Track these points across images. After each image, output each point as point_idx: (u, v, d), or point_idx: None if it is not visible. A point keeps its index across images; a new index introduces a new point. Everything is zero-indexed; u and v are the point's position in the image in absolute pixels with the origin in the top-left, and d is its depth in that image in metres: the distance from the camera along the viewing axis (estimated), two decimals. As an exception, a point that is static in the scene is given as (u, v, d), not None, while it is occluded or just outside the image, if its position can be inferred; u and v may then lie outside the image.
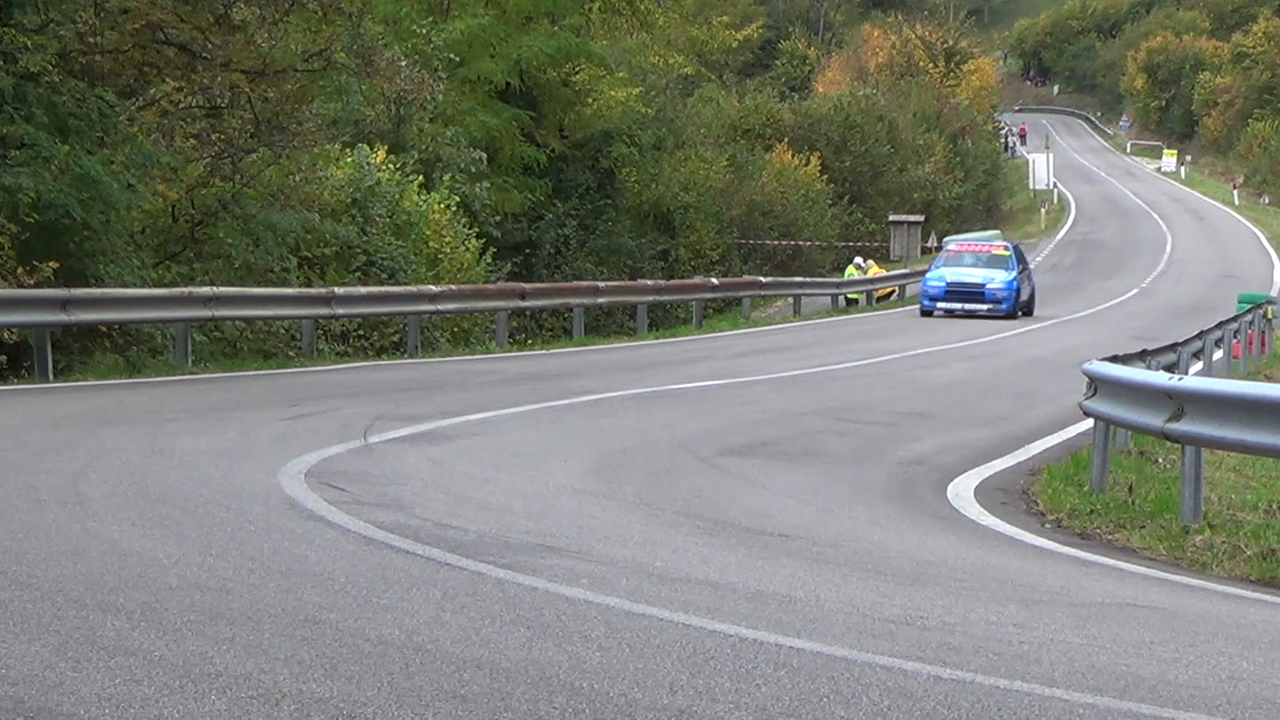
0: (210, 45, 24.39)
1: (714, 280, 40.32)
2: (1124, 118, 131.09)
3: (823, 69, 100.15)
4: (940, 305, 38.66)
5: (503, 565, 8.68)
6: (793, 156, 64.52)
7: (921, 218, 66.62)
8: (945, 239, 58.51)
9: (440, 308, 27.38)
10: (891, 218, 65.84)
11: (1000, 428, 18.38)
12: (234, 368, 22.10)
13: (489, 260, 34.55)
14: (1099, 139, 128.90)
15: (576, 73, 46.67)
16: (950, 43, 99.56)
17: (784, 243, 59.41)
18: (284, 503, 10.57)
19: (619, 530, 10.46)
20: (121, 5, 23.56)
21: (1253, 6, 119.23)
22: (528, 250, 43.98)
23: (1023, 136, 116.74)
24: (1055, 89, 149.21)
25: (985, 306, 38.15)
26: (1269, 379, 24.82)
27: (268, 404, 17.27)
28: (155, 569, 8.27)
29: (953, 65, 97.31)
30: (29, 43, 21.26)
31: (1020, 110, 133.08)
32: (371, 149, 31.33)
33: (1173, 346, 19.89)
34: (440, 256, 31.92)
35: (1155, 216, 77.84)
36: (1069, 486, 13.74)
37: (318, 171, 28.26)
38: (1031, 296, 40.73)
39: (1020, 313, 39.11)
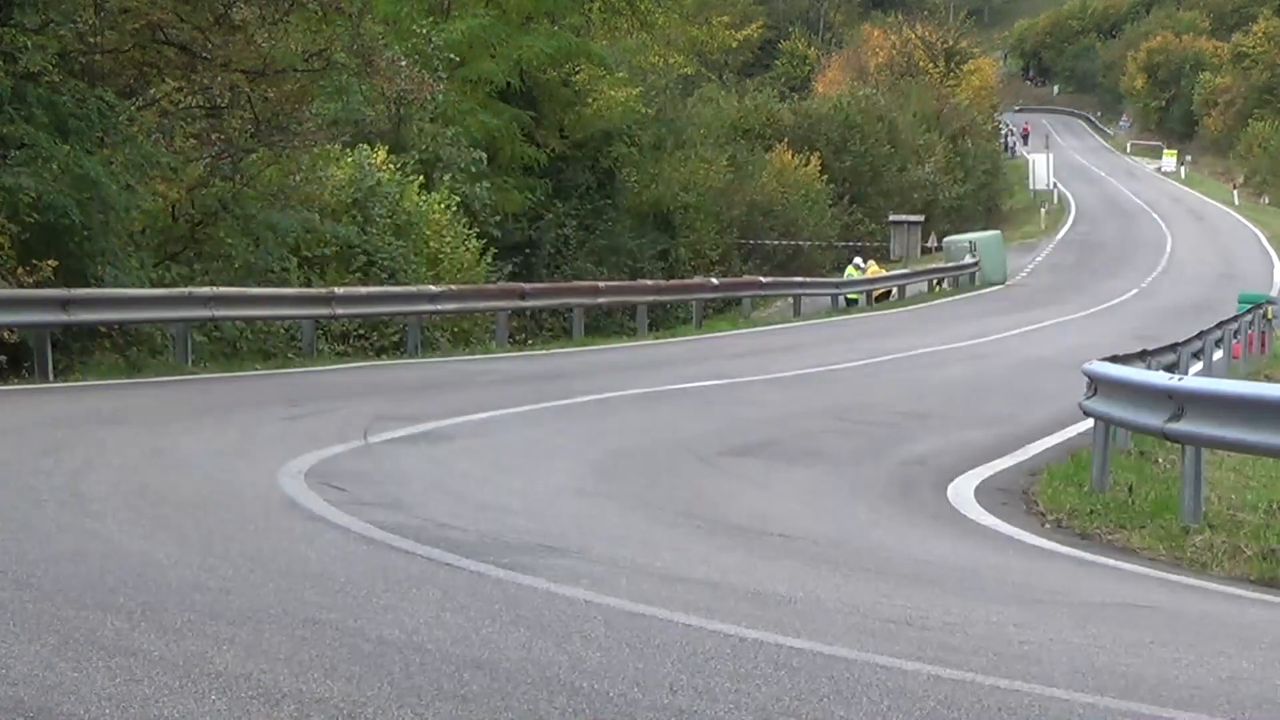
0: (210, 45, 24.41)
1: (714, 280, 40.31)
2: (1124, 118, 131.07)
3: (823, 69, 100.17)
4: None
5: (503, 565, 8.68)
6: (793, 156, 64.53)
7: (921, 218, 66.62)
8: (945, 239, 58.55)
9: (440, 308, 27.38)
10: (891, 218, 65.84)
11: (1000, 428, 18.37)
12: (234, 368, 22.09)
13: (489, 260, 34.55)
14: (1099, 139, 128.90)
15: (576, 73, 46.66)
16: (950, 43, 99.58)
17: (784, 242, 59.41)
18: (284, 503, 10.58)
19: (619, 530, 10.46)
20: (121, 5, 23.58)
21: (1253, 6, 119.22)
22: (528, 250, 43.98)
23: (1025, 136, 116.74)
24: (1055, 89, 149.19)
25: None
26: (1269, 379, 24.82)
27: (268, 404, 17.26)
28: (155, 569, 8.27)
29: (953, 65, 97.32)
30: (29, 43, 21.27)
31: (1020, 110, 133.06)
32: (371, 149, 31.34)
33: (1173, 346, 19.89)
34: (440, 256, 31.92)
35: (1155, 217, 77.84)
36: (1069, 486, 13.74)
37: (318, 171, 28.27)
38: None
39: None
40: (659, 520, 11.03)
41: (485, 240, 34.72)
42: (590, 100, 47.38)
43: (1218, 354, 25.57)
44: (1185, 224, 75.03)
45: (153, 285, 22.81)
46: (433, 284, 28.65)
